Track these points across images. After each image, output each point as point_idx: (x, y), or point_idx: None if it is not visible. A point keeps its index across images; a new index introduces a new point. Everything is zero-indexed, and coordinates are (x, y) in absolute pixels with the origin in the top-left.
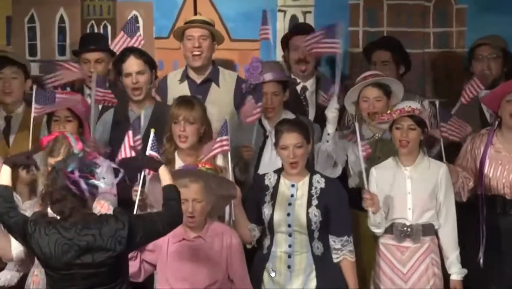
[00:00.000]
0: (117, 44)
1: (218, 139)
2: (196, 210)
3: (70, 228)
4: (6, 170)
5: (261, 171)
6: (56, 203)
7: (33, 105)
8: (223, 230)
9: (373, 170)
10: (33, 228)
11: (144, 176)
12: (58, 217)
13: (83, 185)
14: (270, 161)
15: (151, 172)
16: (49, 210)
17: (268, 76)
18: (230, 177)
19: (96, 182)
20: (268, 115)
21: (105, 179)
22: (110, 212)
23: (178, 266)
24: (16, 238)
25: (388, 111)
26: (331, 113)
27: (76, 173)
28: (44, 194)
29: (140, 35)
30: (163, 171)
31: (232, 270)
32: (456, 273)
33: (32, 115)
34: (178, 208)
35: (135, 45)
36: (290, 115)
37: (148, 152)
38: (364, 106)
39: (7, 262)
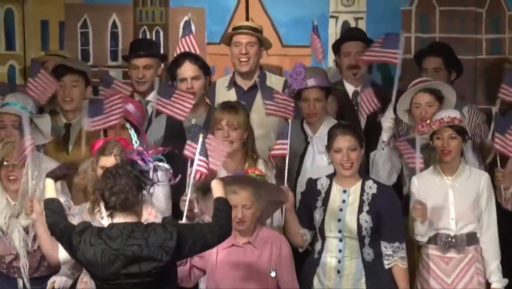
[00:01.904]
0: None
1: (279, 141)
2: (246, 216)
3: (116, 238)
4: (50, 183)
5: (302, 177)
6: (114, 195)
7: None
8: (273, 236)
9: (414, 179)
10: (78, 239)
11: (191, 184)
12: (105, 226)
13: (147, 158)
14: (311, 166)
15: (199, 179)
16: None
17: (310, 82)
18: (285, 181)
19: (145, 168)
20: (310, 121)
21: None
22: (158, 219)
23: (228, 271)
24: (65, 249)
25: (428, 121)
26: (387, 123)
27: (138, 154)
28: (99, 193)
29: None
30: (215, 184)
31: (282, 276)
32: (497, 282)
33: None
34: (228, 221)
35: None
36: (333, 121)
37: (197, 157)
38: (416, 112)
39: (60, 266)
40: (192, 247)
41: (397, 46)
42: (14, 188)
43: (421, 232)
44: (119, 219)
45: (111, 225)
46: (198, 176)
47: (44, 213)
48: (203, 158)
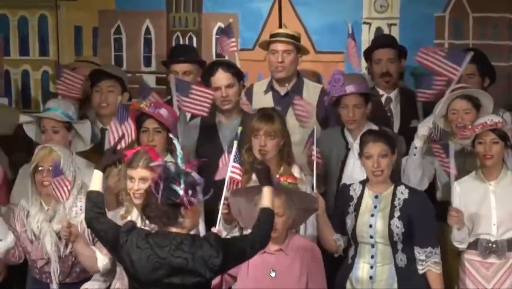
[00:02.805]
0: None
1: (313, 146)
2: (278, 224)
3: (164, 246)
4: (98, 175)
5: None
6: (147, 207)
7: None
8: (304, 243)
9: (456, 185)
10: (125, 238)
11: (225, 189)
12: (151, 230)
13: (160, 186)
14: (352, 173)
15: (231, 185)
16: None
17: (350, 89)
18: (314, 187)
19: (177, 189)
20: (350, 127)
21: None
22: (201, 232)
23: (259, 278)
24: (104, 245)
25: (470, 126)
26: (423, 130)
27: (160, 176)
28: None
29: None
30: (267, 191)
31: (313, 284)
32: None
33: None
34: (269, 234)
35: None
36: (374, 128)
37: (231, 163)
38: (453, 119)
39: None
40: (234, 263)
41: (461, 64)
42: (48, 194)
43: (459, 239)
44: (167, 229)
45: (160, 232)
46: (231, 183)
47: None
48: (237, 165)
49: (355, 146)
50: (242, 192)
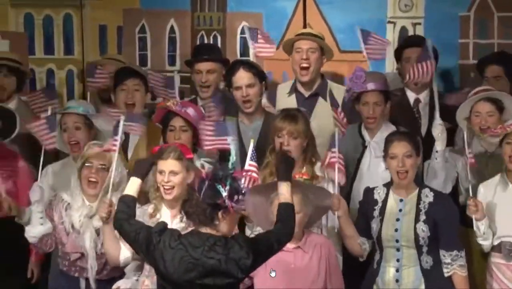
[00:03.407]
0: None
1: (333, 150)
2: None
3: (197, 247)
4: (136, 182)
5: (358, 181)
6: (186, 202)
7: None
8: (321, 241)
9: (481, 187)
10: (158, 238)
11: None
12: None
13: (205, 185)
14: (368, 171)
15: (249, 183)
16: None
17: (370, 86)
18: (336, 188)
19: (222, 191)
20: (369, 126)
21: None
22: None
23: (277, 276)
24: (134, 247)
25: (500, 125)
26: (436, 130)
27: (207, 175)
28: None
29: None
30: (286, 186)
31: (330, 281)
32: None
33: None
34: (293, 225)
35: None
36: (391, 127)
37: (248, 162)
38: (476, 121)
39: (122, 269)
40: (263, 261)
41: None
42: (91, 192)
43: (480, 233)
44: (201, 229)
45: (193, 233)
46: (248, 180)
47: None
48: (253, 163)
49: (372, 144)
50: (259, 190)
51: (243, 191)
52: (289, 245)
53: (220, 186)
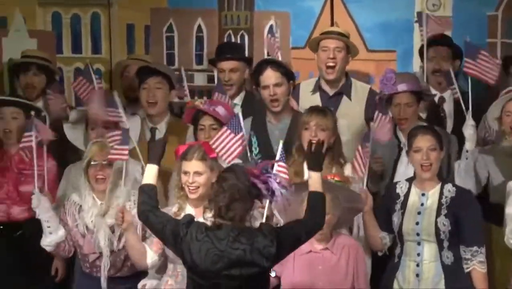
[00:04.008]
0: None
1: (367, 144)
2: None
3: (223, 238)
4: (153, 168)
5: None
6: (230, 213)
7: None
8: (349, 242)
9: (510, 184)
10: (185, 231)
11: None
12: (209, 223)
13: (273, 182)
14: (405, 172)
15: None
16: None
17: (401, 87)
18: (364, 184)
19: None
20: (402, 127)
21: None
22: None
23: (305, 278)
24: (160, 238)
25: None
26: (468, 130)
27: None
28: (214, 204)
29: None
30: (317, 176)
31: (358, 282)
32: None
33: None
34: (323, 217)
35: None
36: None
37: (277, 163)
38: (507, 121)
39: (147, 270)
40: (290, 249)
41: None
42: (101, 188)
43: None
44: (227, 222)
45: (219, 225)
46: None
47: (135, 218)
48: (283, 164)
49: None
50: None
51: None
52: (318, 246)
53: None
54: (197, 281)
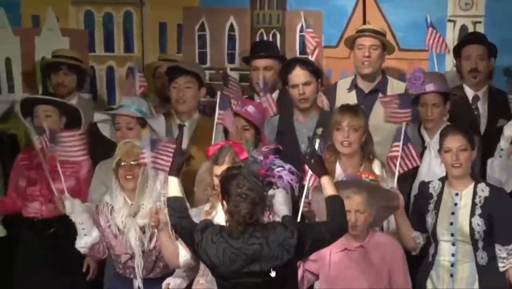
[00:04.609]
0: None
1: (397, 143)
2: (359, 220)
3: (237, 237)
4: (174, 181)
5: (418, 181)
6: (242, 214)
7: (217, 112)
8: (385, 240)
9: None
10: (200, 237)
11: (308, 187)
12: (225, 225)
13: (284, 174)
14: (428, 171)
15: (314, 182)
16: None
17: (429, 87)
18: (394, 184)
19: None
20: (428, 126)
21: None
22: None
23: (341, 276)
24: (188, 247)
25: None
26: (509, 131)
27: (270, 168)
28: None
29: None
30: (326, 181)
31: (394, 280)
32: None
33: (216, 122)
34: (344, 218)
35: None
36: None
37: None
38: None
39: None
40: (312, 246)
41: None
42: (130, 187)
43: None
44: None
45: (233, 225)
46: (312, 180)
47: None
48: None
49: (432, 144)
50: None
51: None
52: (353, 244)
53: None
54: (223, 284)
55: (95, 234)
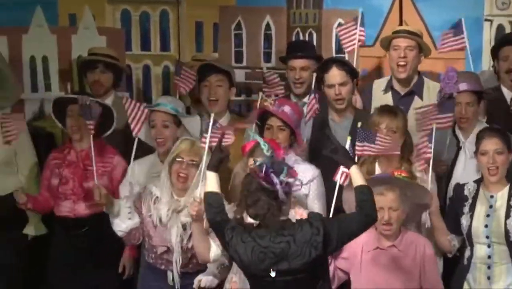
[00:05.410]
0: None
1: (429, 145)
2: (392, 218)
3: (265, 235)
4: (212, 176)
5: (453, 182)
6: (251, 207)
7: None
8: (417, 239)
9: None
10: (230, 235)
11: (340, 184)
12: (254, 224)
13: (275, 180)
14: (463, 172)
15: (346, 180)
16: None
17: (462, 86)
18: (429, 184)
19: (288, 179)
20: (461, 126)
21: (295, 179)
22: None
23: (372, 274)
24: (220, 243)
25: None
26: None
27: (267, 170)
28: (240, 199)
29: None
30: (355, 171)
31: (425, 280)
32: None
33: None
34: (373, 209)
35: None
36: (485, 126)
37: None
38: None
39: (207, 265)
40: (340, 239)
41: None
42: (180, 186)
43: None
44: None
45: (261, 223)
46: (343, 178)
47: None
48: None
49: (466, 144)
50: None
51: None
52: (385, 243)
53: (286, 177)
54: (254, 282)
55: (137, 219)
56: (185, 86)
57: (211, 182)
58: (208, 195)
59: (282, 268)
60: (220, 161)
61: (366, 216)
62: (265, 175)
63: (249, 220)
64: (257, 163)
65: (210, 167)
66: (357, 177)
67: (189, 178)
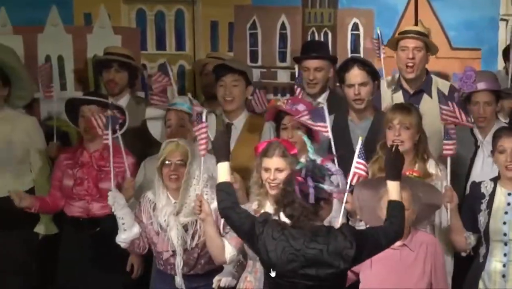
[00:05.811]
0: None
1: (446, 142)
2: None
3: (299, 238)
4: (224, 166)
5: (471, 181)
6: (288, 206)
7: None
8: (427, 239)
9: None
10: (261, 229)
11: (351, 185)
12: (287, 222)
13: (310, 183)
14: (481, 171)
15: (358, 180)
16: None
17: (481, 86)
18: (448, 182)
19: (324, 186)
20: (480, 125)
21: (337, 187)
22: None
23: (382, 274)
24: (239, 235)
25: None
26: None
27: (306, 173)
28: (278, 198)
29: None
30: (394, 185)
31: (436, 279)
32: None
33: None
34: (402, 227)
35: None
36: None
37: (355, 160)
38: None
39: (223, 265)
40: (368, 254)
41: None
42: (174, 186)
43: None
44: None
45: (296, 224)
46: (356, 178)
47: (212, 212)
48: (362, 161)
49: (484, 143)
50: (367, 185)
51: (335, 174)
52: (396, 243)
53: (321, 183)
54: (275, 279)
55: (136, 229)
56: (258, 107)
57: (222, 172)
58: (222, 185)
59: (309, 273)
60: (227, 147)
61: (396, 233)
62: (303, 179)
63: (284, 218)
64: (299, 166)
65: (220, 158)
66: (395, 192)
67: (180, 178)
